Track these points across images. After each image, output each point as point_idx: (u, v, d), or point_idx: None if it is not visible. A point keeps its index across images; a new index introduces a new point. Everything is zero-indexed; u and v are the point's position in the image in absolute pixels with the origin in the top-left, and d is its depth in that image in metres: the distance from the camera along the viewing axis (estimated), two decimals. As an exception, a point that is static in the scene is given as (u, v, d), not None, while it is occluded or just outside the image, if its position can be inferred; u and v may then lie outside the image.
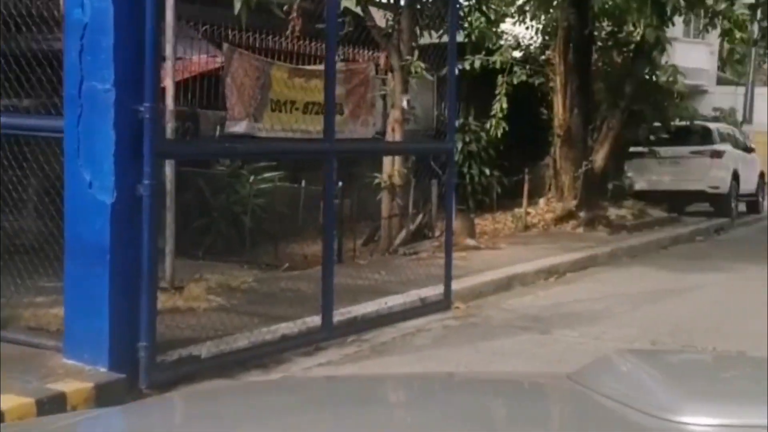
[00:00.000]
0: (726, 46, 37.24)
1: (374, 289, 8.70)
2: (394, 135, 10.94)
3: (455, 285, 9.03)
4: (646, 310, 9.01)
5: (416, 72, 10.94)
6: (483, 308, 8.83)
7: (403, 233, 11.10)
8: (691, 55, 30.05)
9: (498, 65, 15.09)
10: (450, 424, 1.70)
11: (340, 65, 13.09)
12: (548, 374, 2.72)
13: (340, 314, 7.33)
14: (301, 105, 12.43)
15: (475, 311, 8.66)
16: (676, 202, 18.60)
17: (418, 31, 11.49)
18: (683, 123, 17.69)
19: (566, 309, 8.91)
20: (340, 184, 10.44)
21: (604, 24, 15.85)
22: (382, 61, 12.86)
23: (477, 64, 14.81)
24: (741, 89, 31.02)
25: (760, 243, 15.86)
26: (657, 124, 16.96)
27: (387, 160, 11.07)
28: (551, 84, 15.46)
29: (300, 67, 12.68)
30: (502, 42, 15.75)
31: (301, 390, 2.22)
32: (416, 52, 10.94)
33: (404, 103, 10.82)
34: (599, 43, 16.14)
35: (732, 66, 37.03)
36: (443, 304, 8.29)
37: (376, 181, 11.07)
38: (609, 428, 1.66)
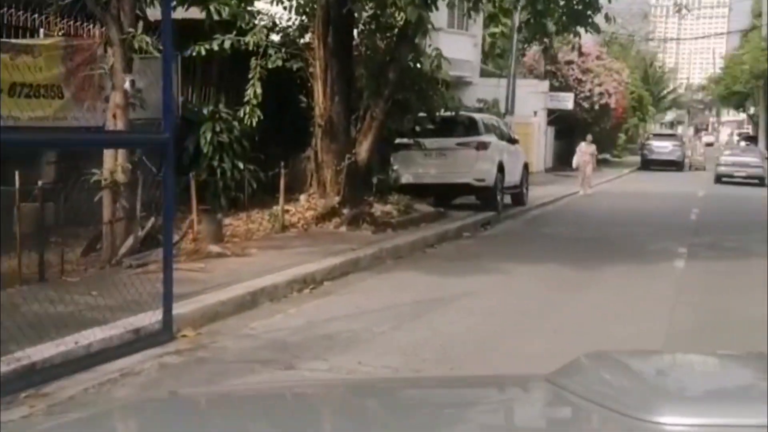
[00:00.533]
0: (488, 39, 38.16)
1: (77, 317, 6.75)
2: (115, 123, 8.97)
3: (187, 306, 7.33)
4: (411, 327, 7.68)
5: (141, 48, 9.03)
6: (218, 335, 7.13)
7: (129, 240, 9.16)
8: (456, 45, 29.78)
9: (251, 47, 13.39)
10: (429, 427, 1.73)
11: (56, 40, 10.92)
12: (526, 376, 2.35)
13: (14, 360, 5.42)
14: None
15: (207, 340, 6.94)
16: (443, 196, 17.78)
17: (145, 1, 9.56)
18: (448, 113, 16.75)
19: (320, 330, 7.40)
20: (41, 183, 8.41)
21: (367, 6, 14.53)
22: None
23: (227, 44, 13.06)
24: (503, 81, 31.20)
25: (525, 238, 15.25)
26: (422, 114, 15.92)
27: (108, 154, 9.08)
28: (311, 69, 13.96)
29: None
30: (256, 22, 14.03)
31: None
32: (141, 24, 9.02)
33: (127, 85, 8.87)
34: (361, 26, 14.82)
35: (494, 59, 37.70)
36: (163, 334, 6.52)
37: (94, 178, 9.05)
38: (587, 430, 1.69)
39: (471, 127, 17.38)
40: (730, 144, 53.70)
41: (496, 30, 36.27)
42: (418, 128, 16.40)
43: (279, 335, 7.15)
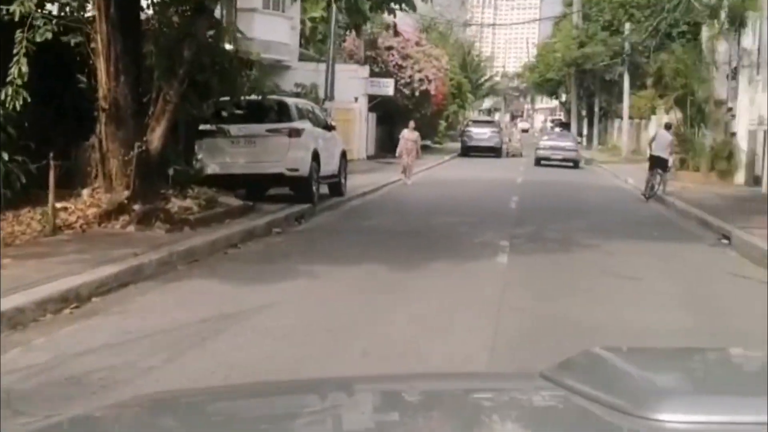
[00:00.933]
0: (309, 24, 36.78)
1: None
2: None
3: None
4: (189, 358, 6.15)
5: None
6: None
7: None
8: (272, 27, 28.23)
9: (17, 17, 11.31)
10: (424, 425, 1.74)
11: None
12: (520, 372, 2.63)
13: None
14: None
15: None
16: (255, 188, 16.24)
17: None
18: (256, 98, 15.13)
19: (66, 370, 5.75)
20: None
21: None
22: None
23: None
24: (323, 66, 29.91)
25: (342, 232, 13.97)
26: (225, 98, 14.28)
27: None
28: (93, 45, 12.03)
29: None
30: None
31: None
32: None
33: None
34: (153, -3, 13.00)
35: (315, 44, 36.39)
36: None
37: None
38: (583, 426, 1.67)
39: (283, 112, 15.89)
40: (545, 130, 55.24)
41: (317, 15, 35.03)
42: (224, 113, 14.77)
43: (5, 381, 5.43)
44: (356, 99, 33.20)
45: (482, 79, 76.03)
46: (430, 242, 12.50)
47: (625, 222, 16.26)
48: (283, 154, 15.39)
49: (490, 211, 17.39)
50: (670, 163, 21.94)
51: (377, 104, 35.36)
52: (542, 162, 35.66)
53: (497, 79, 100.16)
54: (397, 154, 24.45)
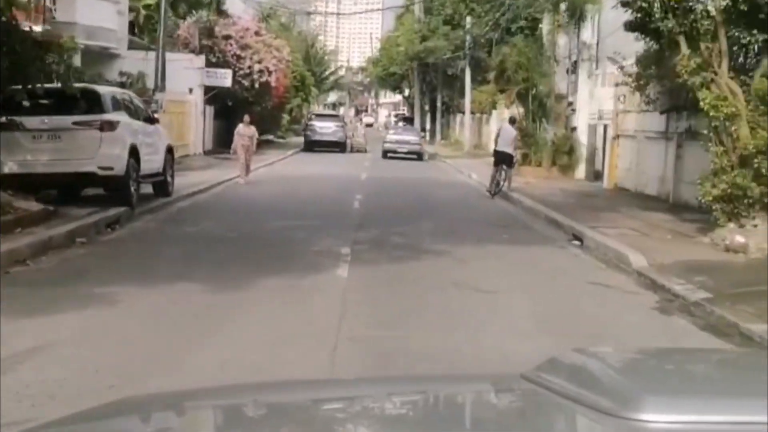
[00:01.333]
0: (143, 12, 34.12)
1: None
2: None
3: None
4: None
5: None
6: None
7: None
8: (95, 12, 25.62)
9: None
10: (405, 427, 1.73)
11: None
12: (502, 374, 2.34)
13: None
14: None
15: None
16: (66, 189, 14.10)
17: None
18: (56, 86, 12.89)
19: None
20: None
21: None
22: None
23: None
24: (153, 54, 27.55)
25: (161, 241, 12.08)
26: (17, 86, 12.08)
27: None
28: None
29: None
30: None
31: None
32: None
33: None
34: None
35: (149, 33, 33.80)
36: None
37: None
38: (564, 427, 1.68)
39: (93, 102, 13.75)
40: (389, 125, 54.83)
41: (151, 2, 32.51)
42: (27, 103, 12.57)
43: None
44: (191, 90, 30.99)
45: (326, 73, 74.71)
46: (263, 252, 10.88)
47: (473, 222, 15.18)
48: (94, 150, 13.32)
49: (332, 212, 15.92)
50: (515, 159, 21.21)
51: (215, 96, 33.24)
52: (389, 155, 36.71)
53: (341, 73, 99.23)
54: (231, 152, 22.53)
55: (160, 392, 2.93)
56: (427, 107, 55.41)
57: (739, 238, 11.52)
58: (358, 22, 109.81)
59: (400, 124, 53.17)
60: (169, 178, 16.68)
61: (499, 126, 23.95)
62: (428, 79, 53.07)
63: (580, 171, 26.98)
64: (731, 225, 12.25)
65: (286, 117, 49.69)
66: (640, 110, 21.61)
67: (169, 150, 16.93)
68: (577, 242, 13.24)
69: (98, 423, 1.85)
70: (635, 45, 18.31)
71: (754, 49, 13.17)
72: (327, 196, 19.04)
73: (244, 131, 21.67)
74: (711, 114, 12.25)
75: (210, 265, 9.67)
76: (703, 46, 12.64)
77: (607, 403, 1.54)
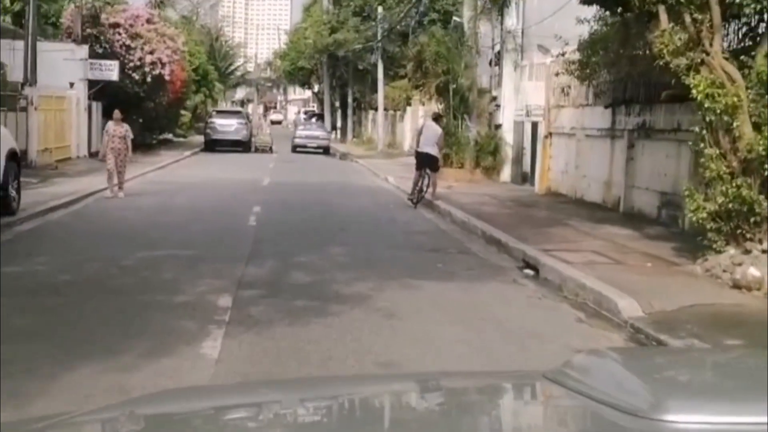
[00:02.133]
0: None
1: None
2: None
3: None
4: None
5: None
6: None
7: None
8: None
9: None
10: (427, 423, 1.68)
11: None
12: (524, 373, 2.45)
13: None
14: None
15: None
16: None
17: None
18: None
19: None
20: None
21: None
22: None
23: None
24: (21, 43, 23.34)
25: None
26: None
27: None
28: None
29: None
30: None
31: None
32: None
33: None
34: None
35: (14, 16, 29.35)
36: None
37: None
38: (584, 426, 1.63)
39: None
40: (299, 122, 51.67)
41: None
42: None
43: None
44: (72, 85, 26.75)
45: (232, 68, 70.37)
46: (98, 310, 7.25)
47: (398, 245, 11.81)
48: None
49: (219, 233, 12.35)
50: (440, 162, 18.00)
51: (103, 92, 29.06)
52: (298, 149, 37.55)
53: (249, 68, 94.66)
54: (100, 156, 18.15)
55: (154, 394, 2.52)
56: (337, 104, 51.91)
57: (754, 271, 8.50)
58: (267, 15, 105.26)
59: (313, 120, 49.97)
60: (12, 192, 12.85)
61: (422, 123, 20.61)
62: (338, 74, 49.60)
63: (506, 173, 24.00)
64: (731, 250, 9.25)
65: (187, 114, 45.51)
66: (578, 105, 18.70)
67: (13, 156, 13.08)
68: (529, 271, 10.08)
69: (97, 424, 1.78)
70: (571, 31, 15.37)
71: (752, 22, 10.25)
72: (218, 209, 15.41)
73: (115, 130, 17.24)
74: (705, 106, 9.21)
75: (15, 343, 6.05)
76: (688, 18, 9.61)
77: (628, 403, 1.49)
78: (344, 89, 50.55)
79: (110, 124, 17.63)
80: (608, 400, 1.55)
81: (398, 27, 37.97)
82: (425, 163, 17.20)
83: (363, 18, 43.78)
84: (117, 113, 17.55)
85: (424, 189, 17.24)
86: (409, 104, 38.67)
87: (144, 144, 35.62)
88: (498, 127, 24.34)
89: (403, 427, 1.67)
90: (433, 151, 17.23)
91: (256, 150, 36.00)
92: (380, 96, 40.20)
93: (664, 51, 9.77)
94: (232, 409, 1.79)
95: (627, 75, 14.76)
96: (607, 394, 1.57)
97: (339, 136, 50.72)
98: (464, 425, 1.65)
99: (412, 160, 32.50)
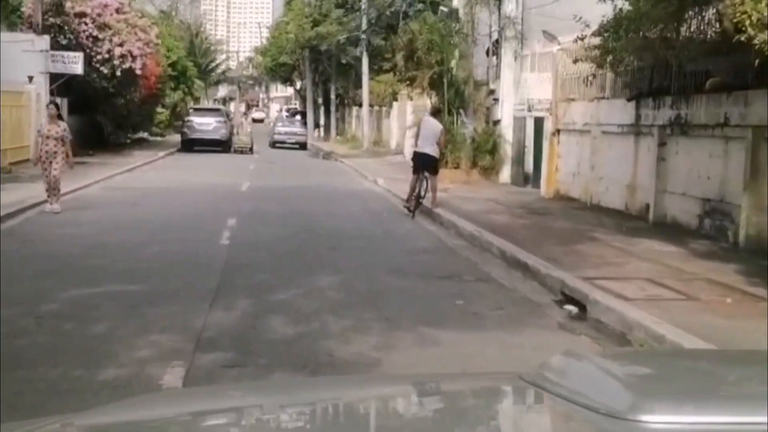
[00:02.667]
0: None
1: None
2: None
3: None
4: None
5: None
6: None
7: None
8: None
9: None
10: (402, 426, 1.68)
11: None
12: (500, 375, 2.25)
13: None
14: None
15: None
16: None
17: None
18: None
19: None
20: None
21: None
22: None
23: None
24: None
25: None
26: None
27: None
28: None
29: None
30: None
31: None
32: None
33: None
34: None
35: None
36: None
37: None
38: (560, 428, 1.61)
39: None
40: (280, 118, 49.02)
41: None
42: None
43: None
44: (31, 79, 24.11)
45: (212, 65, 67.61)
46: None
47: (401, 270, 9.39)
48: None
49: (183, 256, 9.90)
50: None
51: (68, 87, 26.49)
52: (277, 145, 38.81)
53: (231, 65, 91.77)
54: (32, 162, 14.60)
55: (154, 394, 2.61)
56: (320, 100, 49.40)
57: None
58: (249, 12, 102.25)
59: (296, 117, 48.54)
60: None
61: (418, 119, 18.15)
62: (321, 69, 47.07)
63: (505, 174, 21.68)
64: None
65: (164, 112, 42.90)
66: (592, 98, 16.38)
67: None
68: (571, 308, 7.74)
69: (98, 423, 1.78)
70: (579, 14, 13.05)
71: None
72: (185, 223, 12.96)
73: (50, 130, 13.81)
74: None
75: None
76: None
77: (604, 404, 1.47)
78: (327, 85, 48.07)
79: (43, 122, 14.47)
80: (585, 402, 1.51)
81: (384, 17, 35.53)
82: (424, 164, 14.83)
83: (346, 10, 41.33)
84: (51, 108, 14.22)
85: (422, 195, 14.88)
86: (395, 99, 36.28)
87: (117, 143, 33.09)
88: (496, 123, 22.00)
89: (378, 429, 1.62)
90: (433, 150, 14.86)
91: (236, 151, 33.37)
92: (365, 91, 37.76)
93: (746, 23, 7.46)
94: (227, 413, 1.78)
95: (658, 61, 12.46)
96: (584, 396, 1.54)
97: (322, 134, 48.26)
98: (440, 428, 1.63)
99: (401, 159, 30.33)
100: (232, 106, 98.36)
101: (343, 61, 43.04)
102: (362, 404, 1.86)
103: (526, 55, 21.05)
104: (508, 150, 21.64)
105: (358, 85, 43.78)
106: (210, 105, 49.12)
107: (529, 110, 20.65)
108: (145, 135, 37.61)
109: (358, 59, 41.24)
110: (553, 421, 1.63)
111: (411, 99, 33.25)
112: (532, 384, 1.71)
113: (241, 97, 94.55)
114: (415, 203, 14.75)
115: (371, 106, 39.69)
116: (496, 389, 1.93)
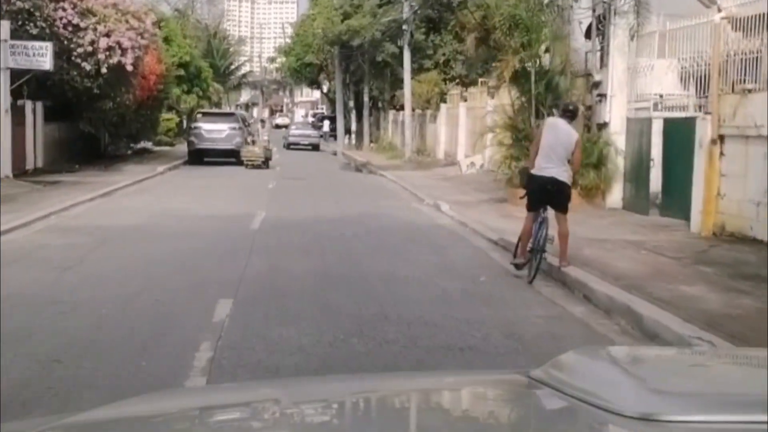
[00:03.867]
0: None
1: None
2: None
3: None
4: None
5: None
6: None
7: None
8: None
9: None
10: (410, 424, 1.63)
11: None
12: (509, 372, 2.05)
13: None
14: None
15: None
16: None
17: None
18: None
19: None
20: None
21: None
22: None
23: None
24: None
25: None
26: None
27: None
28: None
29: None
30: None
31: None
32: None
33: None
34: None
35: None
36: None
37: None
38: (570, 427, 1.56)
39: None
40: (294, 122, 53.26)
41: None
42: None
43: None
44: (-15, 76, 18.43)
45: (232, 67, 61.98)
46: None
47: None
48: None
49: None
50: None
51: (45, 88, 20.83)
52: (291, 146, 40.88)
53: (255, 69, 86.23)
54: None
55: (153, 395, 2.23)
56: (351, 103, 43.41)
57: None
58: (274, 12, 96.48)
59: (308, 119, 52.42)
60: None
61: (541, 123, 11.51)
62: (352, 69, 41.16)
63: (615, 195, 15.61)
64: None
65: (172, 118, 37.17)
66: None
67: None
68: None
69: (98, 423, 1.71)
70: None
71: None
72: (138, 314, 6.92)
73: None
74: None
75: None
76: None
77: (614, 403, 1.44)
78: (359, 86, 42.12)
79: None
80: (594, 400, 1.48)
81: (429, 3, 29.55)
82: (548, 196, 8.81)
83: (381, 1, 35.43)
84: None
85: (544, 244, 8.83)
86: (443, 101, 30.28)
87: (116, 156, 27.39)
88: (602, 127, 15.92)
89: (386, 428, 1.56)
90: (563, 174, 8.84)
91: (246, 165, 26.02)
92: (407, 91, 31.74)
93: None
94: (231, 409, 1.73)
95: None
96: (593, 394, 1.50)
97: (354, 141, 42.32)
98: (448, 426, 1.59)
99: (455, 173, 24.31)
100: (255, 112, 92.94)
101: (378, 59, 37.05)
102: (369, 402, 1.80)
103: (652, 33, 14.96)
104: (619, 163, 15.57)
105: (395, 85, 37.84)
106: (213, 108, 40.85)
107: (658, 109, 14.58)
108: (148, 145, 31.85)
109: (396, 56, 35.35)
110: (561, 419, 1.56)
111: (465, 100, 27.26)
112: (541, 382, 1.66)
113: (265, 102, 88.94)
114: (536, 262, 8.70)
115: (413, 109, 33.76)
116: (505, 387, 1.87)
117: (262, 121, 29.78)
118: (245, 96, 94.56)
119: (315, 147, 41.42)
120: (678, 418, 1.37)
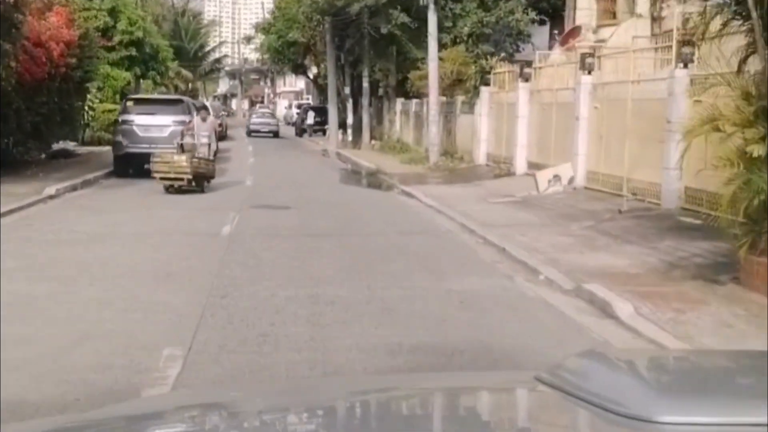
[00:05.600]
0: None
1: None
2: None
3: None
4: None
5: None
6: None
7: None
8: None
9: None
10: (417, 424, 1.59)
11: None
12: (516, 374, 2.28)
13: None
14: None
15: None
16: None
17: None
18: None
19: None
20: None
21: None
22: None
23: None
24: None
25: None
26: None
27: None
28: None
29: None
30: None
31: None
32: None
33: None
34: None
35: None
36: None
37: None
38: (575, 429, 1.55)
39: None
40: (254, 111, 51.10)
41: None
42: None
43: None
44: None
45: (205, 49, 52.56)
46: None
47: None
48: None
49: None
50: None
51: None
52: (252, 134, 41.71)
53: (234, 57, 76.78)
54: None
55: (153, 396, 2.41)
56: (347, 90, 33.95)
57: None
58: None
59: (263, 109, 50.57)
60: None
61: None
62: (347, 46, 31.84)
63: None
64: None
65: (115, 109, 27.76)
66: None
67: None
68: None
69: (98, 423, 1.65)
70: None
71: None
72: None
73: None
74: None
75: None
76: None
77: (621, 404, 1.40)
78: (356, 69, 32.83)
79: None
80: (601, 402, 1.44)
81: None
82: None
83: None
84: None
85: None
86: (484, 82, 21.05)
87: (17, 161, 18.01)
88: None
89: (394, 428, 1.53)
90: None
91: (167, 188, 14.94)
92: (433, 70, 22.51)
93: None
94: (229, 411, 1.69)
95: None
96: (600, 396, 1.46)
97: (350, 137, 32.98)
98: (455, 427, 1.57)
99: (516, 188, 14.91)
100: (233, 103, 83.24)
101: (383, 32, 27.71)
102: (377, 403, 1.76)
103: None
104: None
105: (403, 67, 28.66)
106: (151, 94, 26.58)
107: None
108: (71, 145, 22.40)
109: (406, 27, 26.22)
110: (567, 421, 1.54)
111: (527, 80, 18.13)
112: (547, 384, 1.61)
113: (244, 93, 79.35)
114: None
115: (416, 97, 24.63)
116: (511, 389, 1.84)
117: (204, 108, 17.78)
118: (223, 87, 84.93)
119: (275, 134, 42.52)
120: (682, 419, 1.35)
